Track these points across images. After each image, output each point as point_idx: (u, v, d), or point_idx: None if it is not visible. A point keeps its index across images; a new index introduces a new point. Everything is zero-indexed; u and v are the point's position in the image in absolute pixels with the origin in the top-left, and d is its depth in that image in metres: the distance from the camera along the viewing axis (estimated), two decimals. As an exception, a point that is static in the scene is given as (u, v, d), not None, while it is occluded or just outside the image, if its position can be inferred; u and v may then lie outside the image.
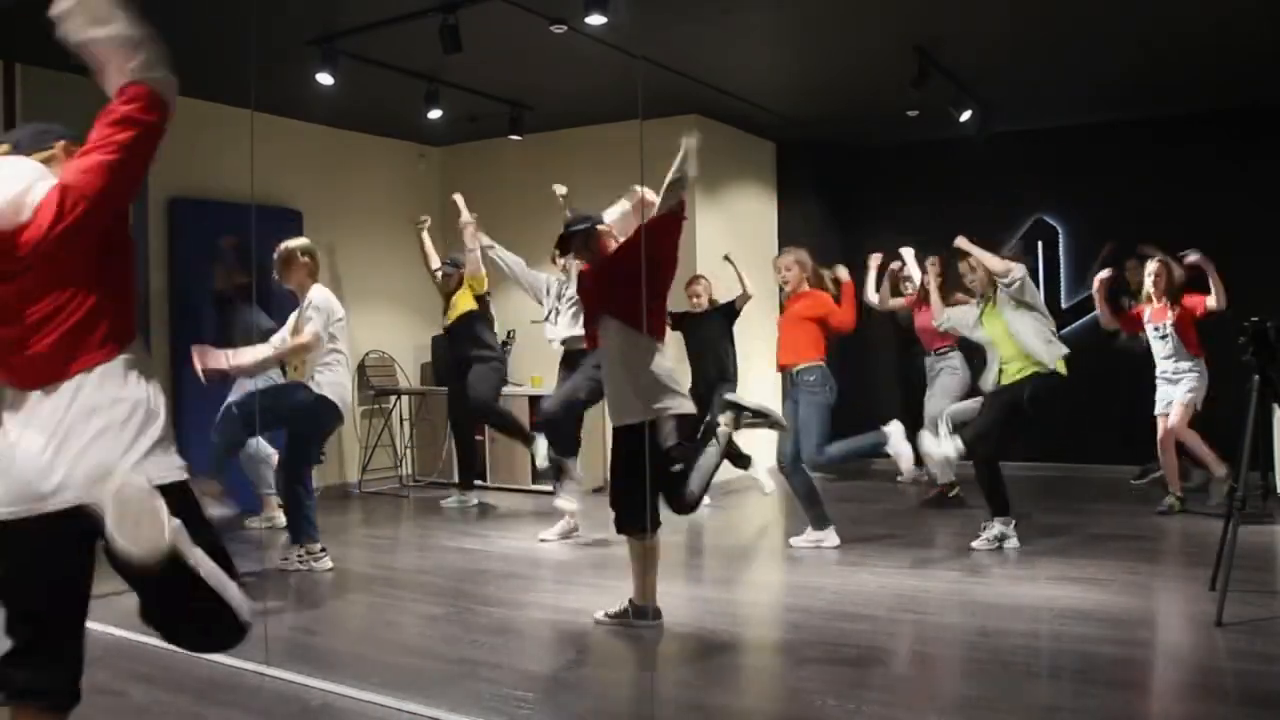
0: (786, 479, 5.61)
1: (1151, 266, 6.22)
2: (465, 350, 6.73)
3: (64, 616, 2.13)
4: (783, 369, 5.64)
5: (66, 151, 2.30)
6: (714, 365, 6.59)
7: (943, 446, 5.66)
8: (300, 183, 7.65)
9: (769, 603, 4.82)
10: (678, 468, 3.95)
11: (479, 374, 6.67)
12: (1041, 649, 3.86)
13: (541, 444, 6.13)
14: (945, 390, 6.62)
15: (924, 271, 6.31)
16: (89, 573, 2.12)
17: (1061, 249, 8.36)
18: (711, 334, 6.60)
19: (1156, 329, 6.17)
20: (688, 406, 4.01)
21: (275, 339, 5.18)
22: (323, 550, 5.21)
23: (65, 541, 2.04)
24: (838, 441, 5.46)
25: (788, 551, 5.66)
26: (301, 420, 5.10)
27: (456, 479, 7.45)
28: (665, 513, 4.02)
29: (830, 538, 5.56)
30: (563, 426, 5.74)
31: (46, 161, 2.25)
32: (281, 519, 5.88)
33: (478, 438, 7.62)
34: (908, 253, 6.73)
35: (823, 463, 5.49)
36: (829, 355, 5.62)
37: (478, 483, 7.55)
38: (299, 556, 5.12)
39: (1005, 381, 5.36)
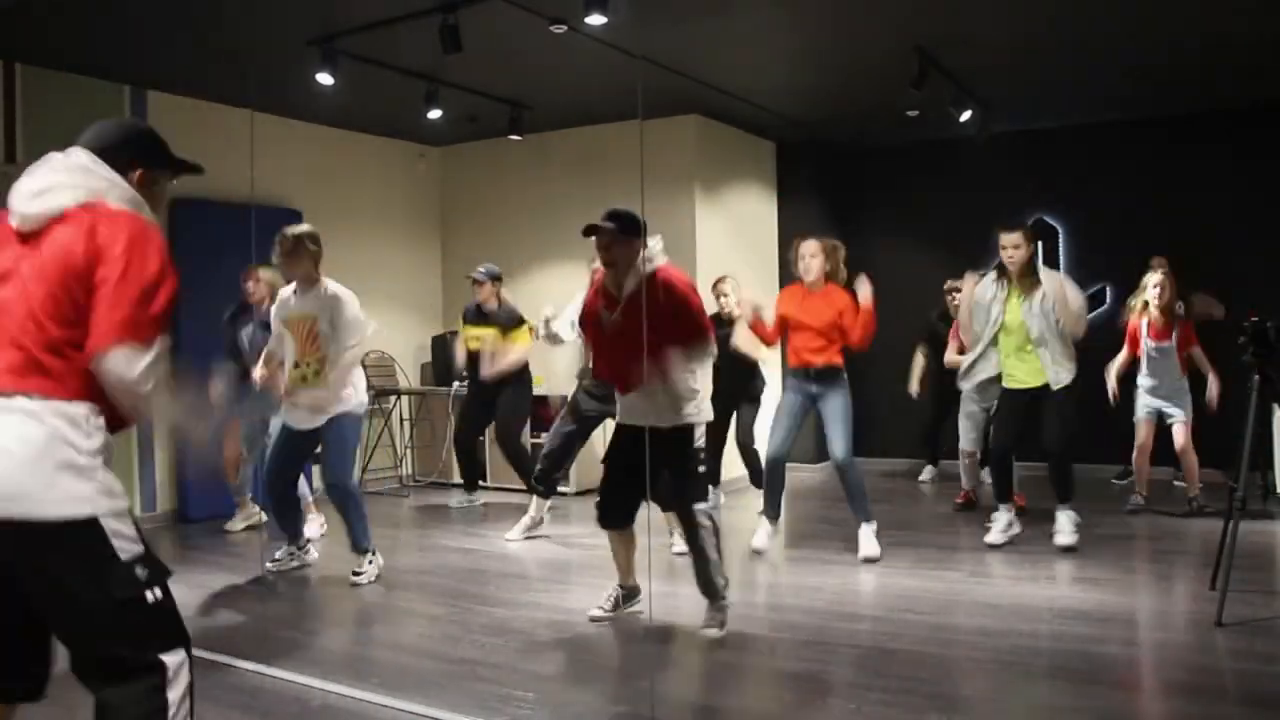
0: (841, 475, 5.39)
1: (1156, 278, 6.15)
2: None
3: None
4: (807, 368, 5.37)
5: (140, 181, 2.24)
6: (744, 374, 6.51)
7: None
8: (300, 183, 7.65)
9: (769, 603, 4.82)
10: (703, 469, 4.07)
11: (511, 401, 6.72)
12: (1041, 649, 3.86)
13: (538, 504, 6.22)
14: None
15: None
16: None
17: (1061, 249, 8.36)
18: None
19: (1158, 348, 6.14)
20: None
21: (273, 346, 5.10)
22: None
23: None
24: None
25: (788, 551, 5.66)
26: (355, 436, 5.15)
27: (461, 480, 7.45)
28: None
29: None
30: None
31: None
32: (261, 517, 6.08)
33: (479, 439, 7.61)
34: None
35: (854, 466, 5.33)
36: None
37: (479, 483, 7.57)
38: (370, 561, 5.11)
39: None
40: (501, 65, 6.39)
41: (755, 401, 6.72)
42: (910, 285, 8.01)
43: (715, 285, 6.66)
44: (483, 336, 6.75)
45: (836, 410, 5.31)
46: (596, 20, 4.96)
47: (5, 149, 5.95)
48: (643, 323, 3.77)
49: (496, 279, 6.75)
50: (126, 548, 2.01)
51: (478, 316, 6.81)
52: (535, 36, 5.57)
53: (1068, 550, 5.25)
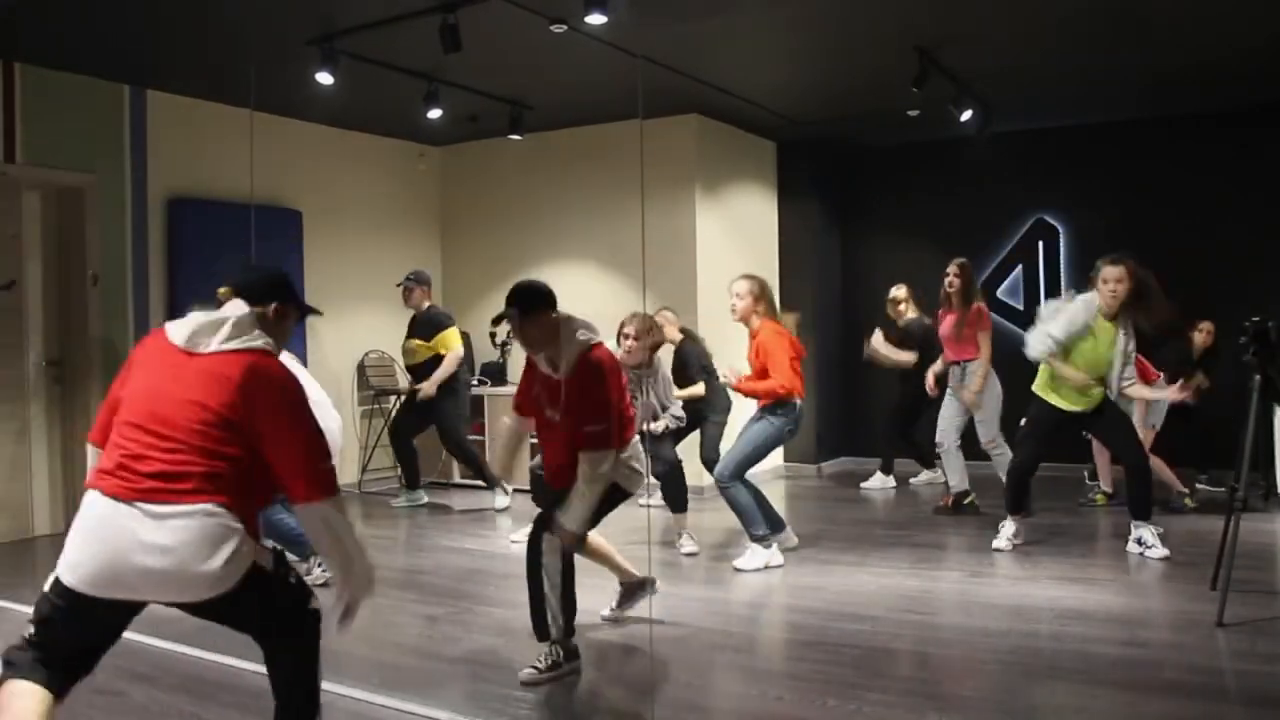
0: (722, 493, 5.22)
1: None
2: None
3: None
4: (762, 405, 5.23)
5: (276, 314, 2.59)
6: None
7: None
8: (300, 183, 7.65)
9: (769, 603, 4.81)
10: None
11: (446, 412, 7.00)
12: (1041, 649, 3.86)
13: (503, 497, 6.78)
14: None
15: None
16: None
17: (1062, 249, 8.36)
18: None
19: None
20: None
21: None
22: None
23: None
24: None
25: (788, 552, 5.65)
26: None
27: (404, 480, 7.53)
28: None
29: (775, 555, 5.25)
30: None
31: (259, 320, 2.50)
32: None
33: (474, 437, 7.61)
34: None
35: (730, 487, 5.13)
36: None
37: (477, 484, 7.56)
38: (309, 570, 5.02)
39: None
40: (501, 65, 6.39)
41: (708, 421, 6.31)
42: (909, 285, 8.00)
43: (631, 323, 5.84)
44: (411, 349, 7.05)
45: (746, 432, 5.18)
46: (596, 20, 4.96)
47: (5, 149, 5.94)
48: (576, 416, 3.47)
49: (421, 282, 6.95)
50: (266, 561, 2.48)
51: (409, 327, 7.13)
52: (535, 36, 5.57)
53: (1165, 559, 5.11)
